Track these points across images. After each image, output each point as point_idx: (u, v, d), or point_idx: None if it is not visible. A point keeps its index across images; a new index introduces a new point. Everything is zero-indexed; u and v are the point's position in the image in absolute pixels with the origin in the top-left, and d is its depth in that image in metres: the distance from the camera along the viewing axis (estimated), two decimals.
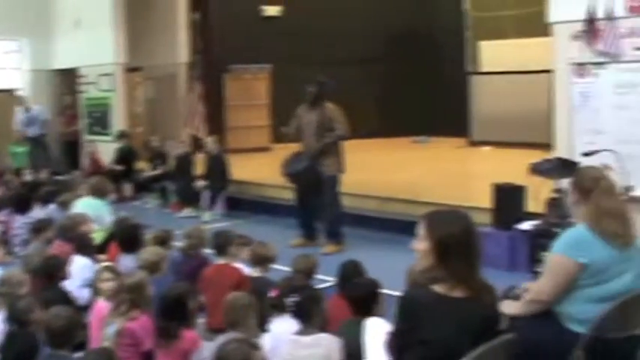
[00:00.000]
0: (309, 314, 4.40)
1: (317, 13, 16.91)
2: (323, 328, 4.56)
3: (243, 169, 12.56)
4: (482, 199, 8.66)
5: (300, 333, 4.31)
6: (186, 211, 11.64)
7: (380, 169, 12.94)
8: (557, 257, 4.13)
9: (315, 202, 9.16)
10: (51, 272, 5.69)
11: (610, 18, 7.81)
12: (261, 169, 12.58)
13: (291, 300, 4.50)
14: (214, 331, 5.08)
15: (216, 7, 15.99)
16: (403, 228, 8.86)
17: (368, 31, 17.39)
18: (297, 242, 9.15)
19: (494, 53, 16.22)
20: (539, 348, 4.06)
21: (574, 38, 8.15)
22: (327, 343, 4.26)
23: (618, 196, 4.35)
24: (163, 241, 6.57)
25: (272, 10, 17.18)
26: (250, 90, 16.18)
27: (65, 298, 5.41)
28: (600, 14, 7.88)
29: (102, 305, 5.10)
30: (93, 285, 5.56)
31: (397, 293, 3.59)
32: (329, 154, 8.93)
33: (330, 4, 17.12)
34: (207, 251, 6.44)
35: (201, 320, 5.35)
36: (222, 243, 6.05)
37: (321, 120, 8.89)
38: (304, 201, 9.30)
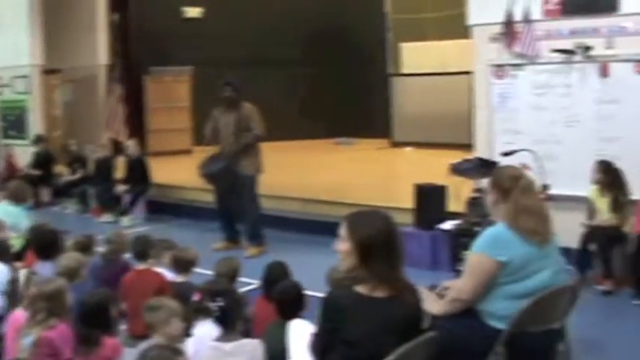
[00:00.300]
0: (232, 320, 4.35)
1: (238, 15, 16.83)
2: (247, 332, 4.52)
3: (165, 172, 12.41)
4: (405, 199, 8.74)
5: (222, 339, 4.24)
6: (107, 216, 11.43)
7: (303, 171, 12.96)
8: (477, 256, 4.18)
9: (235, 204, 9.10)
10: None
11: (527, 21, 7.98)
12: (183, 172, 12.41)
13: (215, 305, 4.44)
14: (136, 337, 4.99)
15: (136, 9, 15.77)
16: (326, 229, 8.86)
17: (290, 32, 17.38)
18: (219, 245, 9.08)
19: (415, 55, 16.40)
20: (462, 345, 4.10)
21: (493, 40, 8.30)
22: (250, 349, 4.20)
23: (537, 195, 4.44)
24: (85, 247, 6.41)
25: (193, 12, 17.02)
26: (171, 92, 15.99)
27: None
28: (518, 17, 8.04)
29: (19, 315, 4.93)
30: (9, 293, 5.39)
31: (320, 294, 3.58)
32: (246, 155, 8.88)
33: (252, 6, 17.07)
34: (128, 256, 6.32)
35: (122, 327, 5.24)
36: (143, 248, 5.94)
37: (238, 121, 8.84)
38: (224, 203, 9.23)
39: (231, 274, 5.57)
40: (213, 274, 5.61)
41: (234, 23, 16.61)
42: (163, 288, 5.48)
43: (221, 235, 9.29)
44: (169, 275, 5.83)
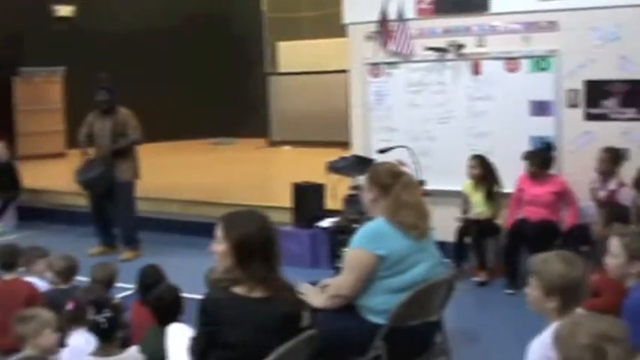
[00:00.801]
0: (112, 331, 4.19)
1: (112, 14, 16.43)
2: (125, 340, 4.38)
3: (37, 176, 11.98)
4: (283, 198, 8.74)
5: (99, 353, 4.04)
6: None
7: (181, 172, 12.79)
8: (356, 251, 4.20)
9: (111, 209, 8.89)
10: None
11: (401, 20, 8.10)
12: (57, 176, 12.04)
13: (103, 317, 4.25)
14: (5, 352, 4.76)
15: (2, 6, 15.13)
16: (205, 231, 8.74)
17: (165, 32, 17.07)
18: (96, 251, 8.85)
19: (292, 53, 16.46)
20: (342, 341, 4.11)
21: (368, 39, 8.39)
22: None
23: (417, 190, 4.49)
24: None
25: (64, 11, 16.43)
26: (43, 94, 15.45)
27: None
28: (392, 16, 8.15)
29: None
30: None
31: (199, 297, 3.51)
32: (123, 160, 8.69)
33: (126, 5, 16.69)
34: None
35: None
36: (9, 257, 5.63)
37: (114, 126, 8.64)
38: (99, 208, 8.99)
39: (107, 280, 5.41)
40: (89, 280, 5.43)
41: (108, 22, 16.21)
42: (34, 298, 5.24)
43: (97, 240, 9.05)
44: (42, 284, 5.60)
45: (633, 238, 3.64)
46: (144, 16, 16.87)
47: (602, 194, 7.03)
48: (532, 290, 3.19)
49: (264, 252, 3.30)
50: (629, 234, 3.67)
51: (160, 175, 11.44)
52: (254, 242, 3.29)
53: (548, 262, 3.15)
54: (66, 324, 4.56)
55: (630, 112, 7.28)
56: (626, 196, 6.76)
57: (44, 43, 15.41)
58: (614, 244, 3.67)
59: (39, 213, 11.15)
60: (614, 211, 5.47)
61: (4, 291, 5.37)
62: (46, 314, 4.33)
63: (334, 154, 8.28)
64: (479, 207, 7.57)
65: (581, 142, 7.50)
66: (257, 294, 3.28)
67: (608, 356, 2.36)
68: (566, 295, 3.08)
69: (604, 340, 2.38)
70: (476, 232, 7.42)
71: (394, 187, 4.25)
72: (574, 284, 3.09)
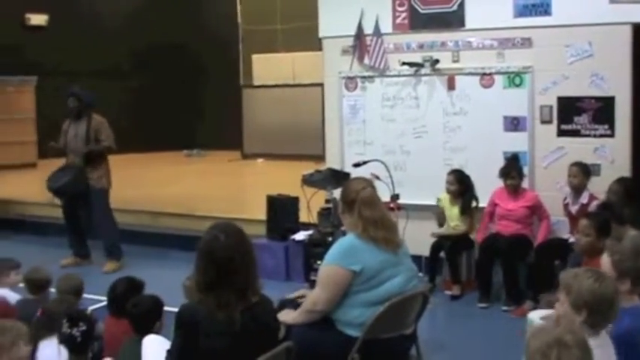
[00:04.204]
0: (85, 344, 4.14)
1: (85, 23, 16.32)
2: (98, 352, 4.34)
3: (6, 186, 11.85)
4: (258, 211, 8.71)
5: None
6: None
7: (154, 184, 12.74)
8: (330, 268, 4.20)
9: (84, 218, 8.79)
10: None
11: (377, 34, 8.13)
12: (27, 186, 11.92)
13: (78, 330, 4.19)
14: None
15: None
16: (178, 242, 8.73)
17: (141, 43, 17.01)
18: (68, 261, 8.74)
19: (266, 66, 16.46)
20: (317, 354, 4.10)
21: (344, 53, 8.41)
22: None
23: (379, 205, 4.48)
24: None
25: (37, 19, 16.32)
26: (14, 103, 15.27)
27: None
28: (368, 30, 8.18)
29: None
30: None
31: (174, 309, 3.49)
32: (96, 168, 8.60)
33: (99, 14, 16.60)
34: None
35: None
36: None
37: (87, 132, 8.56)
38: (73, 217, 8.87)
39: (73, 292, 5.31)
40: (56, 292, 5.35)
41: (81, 31, 16.08)
42: (5, 311, 5.15)
43: (69, 251, 8.95)
44: (14, 296, 5.52)
45: (622, 255, 3.63)
46: (118, 26, 16.79)
47: (574, 209, 7.08)
48: (560, 305, 3.18)
49: (239, 264, 3.29)
50: (618, 251, 3.66)
51: (133, 185, 11.38)
52: (229, 255, 3.27)
53: (578, 278, 3.15)
54: (35, 334, 4.48)
55: (601, 128, 7.35)
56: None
57: (16, 52, 15.28)
58: (605, 262, 3.67)
59: (7, 224, 10.99)
60: (602, 221, 5.49)
61: None
62: (20, 326, 4.26)
63: (307, 168, 8.27)
64: (454, 221, 7.59)
65: (553, 158, 7.56)
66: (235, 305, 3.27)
67: (552, 358, 2.43)
68: (594, 311, 3.07)
69: (554, 345, 2.45)
70: (450, 247, 7.44)
71: (355, 204, 4.29)
72: (603, 300, 3.08)
